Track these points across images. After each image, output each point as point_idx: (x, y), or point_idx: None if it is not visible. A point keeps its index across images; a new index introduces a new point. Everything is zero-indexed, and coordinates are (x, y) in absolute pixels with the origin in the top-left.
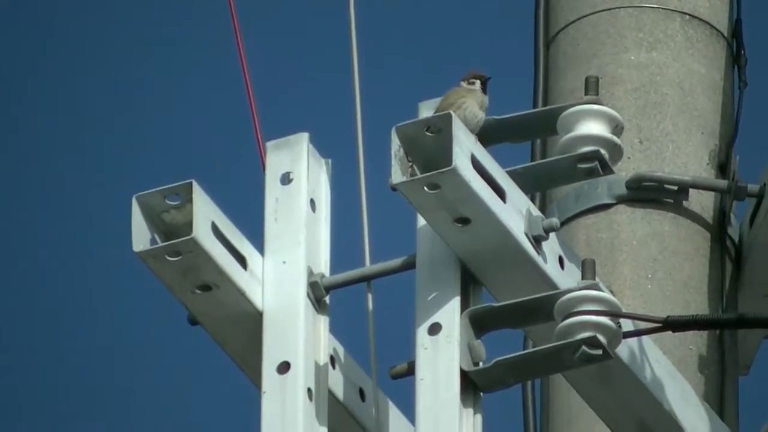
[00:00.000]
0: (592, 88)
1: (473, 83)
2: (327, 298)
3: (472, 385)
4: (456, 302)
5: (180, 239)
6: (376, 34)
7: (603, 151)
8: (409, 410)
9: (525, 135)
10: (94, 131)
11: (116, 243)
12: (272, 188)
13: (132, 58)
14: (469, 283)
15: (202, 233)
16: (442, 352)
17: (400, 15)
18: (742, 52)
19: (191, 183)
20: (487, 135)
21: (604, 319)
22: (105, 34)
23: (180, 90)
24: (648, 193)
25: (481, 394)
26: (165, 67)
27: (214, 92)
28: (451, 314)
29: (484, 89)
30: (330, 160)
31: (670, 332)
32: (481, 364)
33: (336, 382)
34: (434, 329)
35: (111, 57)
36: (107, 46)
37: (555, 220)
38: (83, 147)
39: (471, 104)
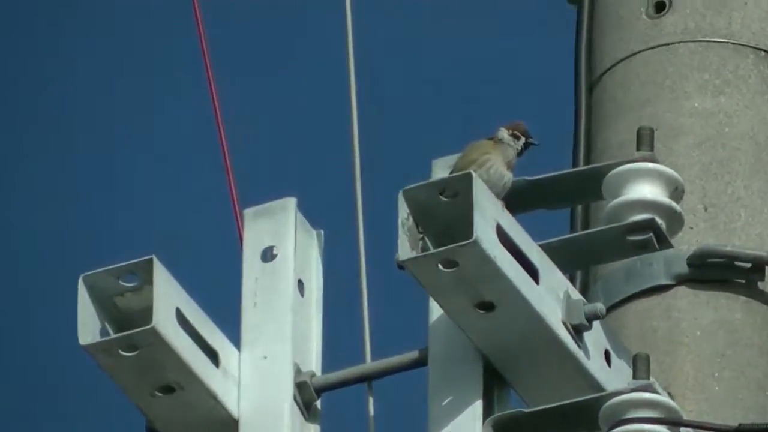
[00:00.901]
0: (645, 141)
1: (517, 137)
2: (318, 402)
3: None
4: (477, 407)
5: (137, 329)
6: (380, 76)
7: (659, 220)
8: None
9: (563, 200)
10: (33, 196)
11: (62, 331)
12: (251, 266)
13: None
14: (493, 384)
15: (164, 322)
16: None
17: (409, 52)
18: None
19: (151, 259)
20: (516, 200)
21: (661, 429)
22: (72, 97)
23: (136, 140)
24: (715, 271)
25: None
26: (121, 111)
27: (179, 146)
28: (471, 422)
29: (521, 150)
30: (323, 232)
31: None
32: None
33: None
34: None
35: (73, 117)
36: (72, 107)
37: (600, 306)
38: (21, 218)
39: (497, 162)
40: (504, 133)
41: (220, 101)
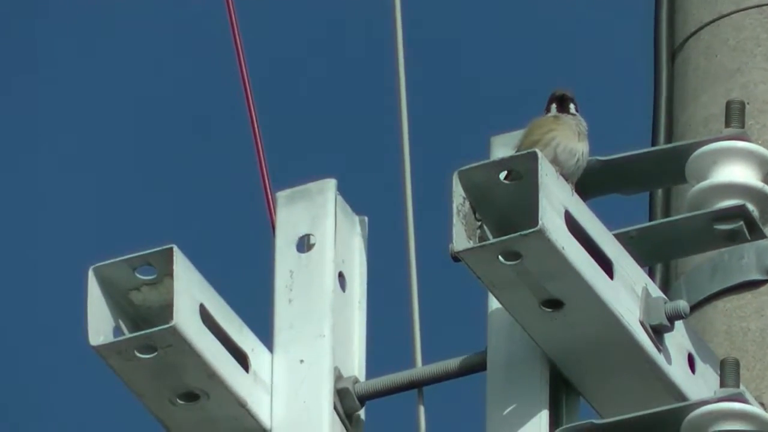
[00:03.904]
0: (735, 116)
1: (566, 109)
2: (362, 412)
3: None
4: (543, 417)
5: (155, 328)
6: (430, 47)
7: (751, 207)
8: None
9: (641, 183)
10: (39, 177)
11: (68, 330)
12: (285, 256)
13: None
14: (560, 392)
15: (186, 320)
16: None
17: (464, 16)
18: None
19: (171, 249)
20: (588, 183)
21: None
22: (83, 77)
23: (158, 117)
24: None
25: None
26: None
27: (201, 118)
28: None
29: (564, 109)
30: (366, 218)
31: None
32: None
33: None
34: None
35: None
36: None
37: (683, 304)
38: (26, 201)
39: (565, 138)
40: (554, 111)
41: (250, 68)
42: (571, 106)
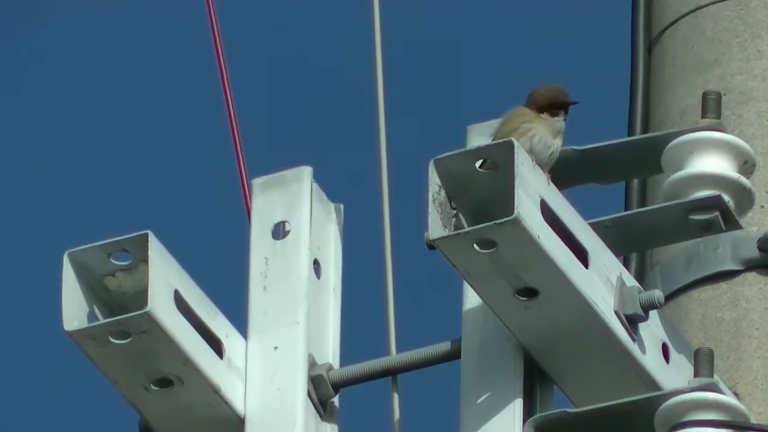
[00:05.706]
0: (711, 107)
1: (557, 114)
2: (335, 399)
3: None
4: (517, 406)
5: (130, 314)
6: (407, 36)
7: (726, 197)
8: None
9: (617, 173)
10: (10, 159)
11: (43, 315)
12: (260, 243)
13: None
14: (534, 380)
15: (161, 306)
16: None
17: (440, 5)
18: None
19: (146, 235)
20: (564, 172)
21: None
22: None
23: (133, 102)
24: None
25: None
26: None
27: (177, 104)
28: (509, 423)
29: (554, 115)
30: (342, 206)
31: None
32: None
33: None
34: None
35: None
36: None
37: (658, 293)
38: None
39: (541, 129)
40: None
41: (227, 54)
42: (562, 114)
